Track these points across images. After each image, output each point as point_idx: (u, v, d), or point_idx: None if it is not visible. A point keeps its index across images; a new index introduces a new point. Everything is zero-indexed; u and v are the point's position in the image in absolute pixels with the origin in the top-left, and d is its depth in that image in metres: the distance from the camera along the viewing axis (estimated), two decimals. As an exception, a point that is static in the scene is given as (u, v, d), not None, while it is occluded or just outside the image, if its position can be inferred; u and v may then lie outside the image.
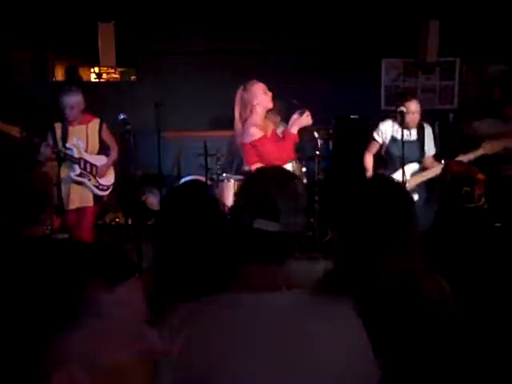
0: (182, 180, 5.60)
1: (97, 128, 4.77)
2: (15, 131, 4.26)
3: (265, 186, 1.30)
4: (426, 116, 4.93)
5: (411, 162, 4.42)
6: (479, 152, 4.19)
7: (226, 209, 5.53)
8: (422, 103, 4.59)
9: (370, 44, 6.86)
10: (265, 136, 3.88)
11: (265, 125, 3.99)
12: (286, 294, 1.28)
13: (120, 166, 6.14)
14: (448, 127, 6.58)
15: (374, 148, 4.75)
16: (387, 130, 4.57)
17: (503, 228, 2.54)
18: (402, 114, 4.22)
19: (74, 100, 4.58)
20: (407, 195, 1.83)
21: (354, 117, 6.83)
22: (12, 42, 6.44)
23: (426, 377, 1.64)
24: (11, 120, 4.33)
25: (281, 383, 1.20)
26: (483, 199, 2.52)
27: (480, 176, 2.53)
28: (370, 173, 4.71)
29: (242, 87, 3.97)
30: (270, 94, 3.93)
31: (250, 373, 1.18)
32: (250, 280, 1.28)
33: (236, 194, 1.34)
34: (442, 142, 4.46)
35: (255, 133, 3.84)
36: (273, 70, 6.66)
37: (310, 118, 3.86)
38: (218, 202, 1.88)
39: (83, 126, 4.70)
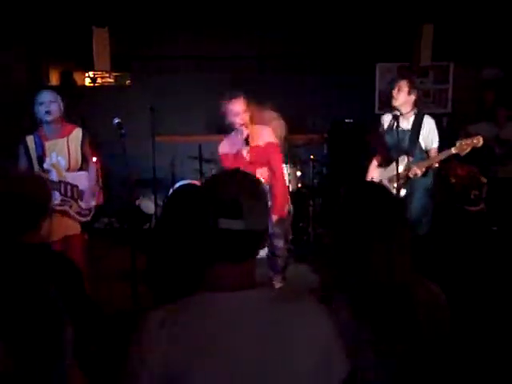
0: (177, 184, 5.60)
1: (79, 140, 4.03)
2: None
3: (225, 186, 1.32)
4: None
5: (404, 152, 4.23)
6: (450, 152, 4.15)
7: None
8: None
9: (364, 48, 6.89)
10: (223, 155, 4.20)
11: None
12: (256, 292, 1.32)
13: (114, 170, 6.13)
14: (442, 131, 6.60)
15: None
16: (385, 121, 4.49)
17: (499, 231, 2.55)
18: (397, 117, 4.20)
19: (52, 94, 3.87)
20: (394, 199, 1.84)
21: (349, 121, 6.84)
22: (6, 47, 6.42)
23: (420, 377, 1.64)
24: (3, 126, 4.00)
25: (256, 381, 1.22)
26: (483, 203, 2.52)
27: (483, 179, 2.54)
28: (368, 175, 4.59)
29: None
30: (241, 113, 4.01)
31: (225, 371, 1.21)
32: (220, 279, 1.31)
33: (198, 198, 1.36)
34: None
35: (220, 148, 4.24)
36: (268, 74, 6.69)
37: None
38: None
39: (63, 140, 3.97)
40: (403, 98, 4.25)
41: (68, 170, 3.98)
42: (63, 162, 3.96)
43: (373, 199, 1.76)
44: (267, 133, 4.17)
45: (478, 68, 7.27)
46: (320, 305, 1.36)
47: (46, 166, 3.89)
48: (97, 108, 6.74)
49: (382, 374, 1.61)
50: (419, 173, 4.13)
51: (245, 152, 4.09)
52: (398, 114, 4.21)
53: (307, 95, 6.82)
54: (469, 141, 4.12)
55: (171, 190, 5.30)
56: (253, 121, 4.14)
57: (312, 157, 6.36)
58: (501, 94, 6.81)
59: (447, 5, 6.49)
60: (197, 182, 5.65)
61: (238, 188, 1.31)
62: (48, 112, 3.86)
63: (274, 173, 4.10)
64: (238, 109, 4.03)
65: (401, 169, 4.22)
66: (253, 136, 4.05)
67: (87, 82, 7.89)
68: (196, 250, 1.34)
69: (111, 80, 7.73)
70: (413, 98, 4.27)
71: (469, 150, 4.11)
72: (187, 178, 6.13)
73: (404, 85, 4.26)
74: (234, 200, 1.28)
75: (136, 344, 1.25)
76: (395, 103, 4.27)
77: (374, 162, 4.62)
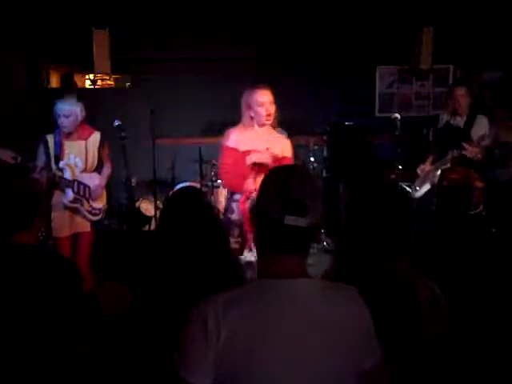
0: (177, 187, 5.60)
1: (97, 143, 4.20)
2: (7, 156, 3.73)
3: (288, 183, 1.37)
4: (420, 122, 4.96)
5: (452, 147, 4.39)
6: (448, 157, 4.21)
7: (221, 214, 5.60)
8: (415, 110, 4.63)
9: (364, 51, 6.89)
10: (230, 149, 3.66)
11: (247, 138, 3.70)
12: (310, 280, 1.39)
13: (115, 172, 6.13)
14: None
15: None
16: (442, 118, 4.79)
17: (499, 234, 2.55)
18: (396, 120, 4.24)
19: (67, 108, 3.99)
20: (404, 198, 1.84)
21: (349, 123, 6.85)
22: (7, 50, 6.43)
23: (421, 377, 1.64)
24: (4, 129, 4.02)
25: (307, 368, 1.28)
26: (481, 206, 2.52)
27: (478, 184, 2.54)
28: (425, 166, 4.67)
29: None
30: (269, 104, 3.64)
31: (286, 356, 1.27)
32: (282, 268, 1.37)
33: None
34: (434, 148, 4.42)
35: (227, 139, 3.72)
36: (268, 77, 6.68)
37: (269, 157, 3.56)
38: (214, 209, 1.98)
39: (82, 142, 4.13)
40: (466, 102, 4.57)
41: (84, 171, 4.14)
42: (80, 164, 4.11)
43: (380, 197, 1.76)
44: (289, 146, 3.82)
45: (478, 71, 7.28)
46: (358, 294, 1.42)
47: (61, 164, 4.04)
48: (97, 110, 6.74)
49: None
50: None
51: (255, 156, 3.61)
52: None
53: (307, 97, 6.83)
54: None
55: (171, 192, 5.30)
56: (274, 124, 3.73)
57: (312, 159, 6.37)
58: (501, 97, 6.81)
59: (447, 8, 6.51)
60: (197, 185, 5.66)
61: (301, 185, 1.37)
62: (63, 126, 4.01)
63: None
64: (265, 99, 3.62)
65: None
66: (274, 141, 3.70)
67: (87, 84, 7.89)
68: (221, 249, 1.43)
69: (111, 82, 7.74)
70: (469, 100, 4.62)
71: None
72: (187, 181, 6.13)
73: (460, 90, 4.60)
74: (300, 200, 1.34)
75: (200, 324, 1.27)
76: (462, 112, 4.58)
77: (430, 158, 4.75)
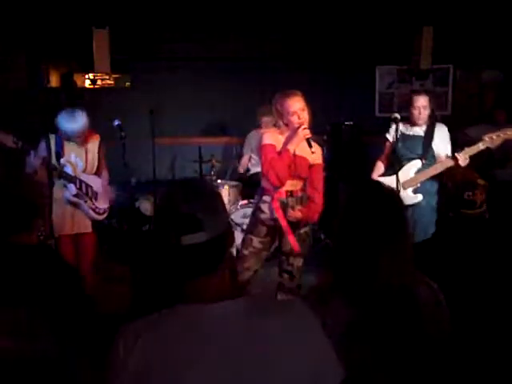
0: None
1: (96, 147, 4.24)
2: (8, 140, 3.74)
3: (175, 202, 1.29)
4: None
5: (413, 158, 4.33)
6: (479, 146, 4.15)
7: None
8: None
9: (364, 51, 6.89)
10: (269, 145, 3.60)
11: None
12: (235, 303, 1.29)
13: (114, 172, 6.12)
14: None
15: (386, 148, 4.64)
16: (395, 128, 4.46)
17: (503, 235, 2.54)
18: (396, 120, 4.22)
19: (79, 129, 4.00)
20: (398, 200, 1.84)
21: (349, 123, 6.85)
22: (6, 49, 6.43)
23: (421, 376, 1.64)
24: (5, 127, 4.03)
25: None
26: (485, 206, 2.52)
27: (481, 181, 2.53)
28: (375, 175, 4.60)
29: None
30: (302, 111, 3.60)
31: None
32: (197, 293, 1.29)
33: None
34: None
35: (264, 138, 3.65)
36: (268, 77, 6.69)
37: (305, 131, 3.54)
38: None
39: (82, 147, 4.17)
40: (426, 113, 4.34)
41: (84, 171, 4.15)
42: (80, 164, 4.12)
43: (376, 200, 1.76)
44: (320, 153, 3.82)
45: (477, 71, 7.28)
46: (309, 315, 1.32)
47: (62, 161, 4.04)
48: (97, 110, 6.74)
49: (381, 373, 1.61)
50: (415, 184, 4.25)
51: (292, 148, 3.57)
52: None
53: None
54: (501, 133, 4.13)
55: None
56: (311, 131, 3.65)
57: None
58: (501, 96, 6.81)
59: (447, 7, 6.51)
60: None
61: (191, 200, 1.29)
62: (78, 140, 4.07)
63: (314, 187, 3.75)
64: (296, 107, 3.57)
65: (412, 173, 4.30)
66: (304, 147, 3.61)
67: (87, 83, 7.89)
68: (166, 268, 1.33)
69: (111, 82, 7.74)
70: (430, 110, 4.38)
71: (499, 142, 4.15)
72: (187, 180, 6.13)
73: (423, 100, 4.33)
74: (190, 215, 1.26)
75: (115, 353, 1.23)
76: (422, 122, 4.35)
77: (380, 169, 4.62)
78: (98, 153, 4.24)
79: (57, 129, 4.04)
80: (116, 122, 4.66)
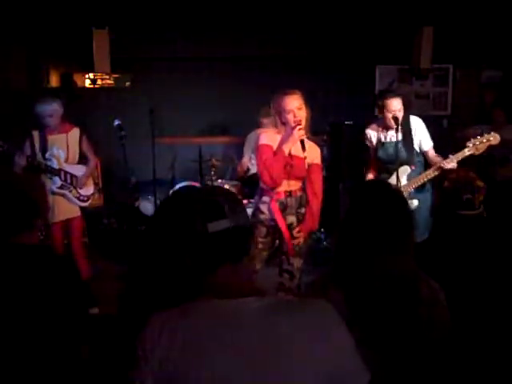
0: (177, 186, 5.60)
1: (77, 138, 4.56)
2: None
3: (199, 193, 1.37)
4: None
5: (401, 164, 4.20)
6: (465, 152, 4.06)
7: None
8: (415, 110, 4.56)
9: (364, 51, 6.89)
10: (265, 145, 3.58)
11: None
12: (256, 300, 1.30)
13: (114, 172, 6.14)
14: (442, 133, 6.63)
15: (371, 156, 4.49)
16: (372, 135, 4.40)
17: (498, 233, 2.54)
18: (396, 120, 4.15)
19: (49, 108, 4.38)
20: (402, 198, 1.84)
21: (348, 123, 6.85)
22: (6, 49, 6.43)
23: (419, 375, 1.64)
24: (4, 128, 4.17)
25: None
26: (482, 206, 2.52)
27: (480, 183, 2.54)
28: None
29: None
30: (298, 110, 3.56)
31: (226, 378, 1.20)
32: (220, 286, 1.30)
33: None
34: (435, 146, 4.38)
35: (261, 138, 3.64)
36: (268, 76, 6.69)
37: (300, 131, 3.49)
38: None
39: (63, 135, 4.51)
40: (400, 115, 4.16)
41: (66, 161, 4.50)
42: (63, 155, 4.48)
43: (379, 198, 1.77)
44: (318, 153, 3.78)
45: (477, 70, 7.29)
46: (333, 313, 1.31)
47: (47, 155, 4.43)
48: (97, 110, 6.75)
49: (379, 372, 1.61)
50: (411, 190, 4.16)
51: (286, 148, 3.54)
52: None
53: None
54: (484, 139, 4.04)
55: (171, 192, 5.30)
56: (306, 130, 3.61)
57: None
58: (500, 96, 6.82)
59: (447, 7, 6.51)
60: (197, 184, 5.66)
61: (212, 192, 1.35)
62: (50, 125, 4.42)
63: (313, 190, 3.70)
64: (293, 105, 3.55)
65: (404, 180, 4.21)
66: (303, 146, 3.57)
67: (87, 83, 7.87)
68: (190, 259, 1.34)
69: (111, 82, 7.72)
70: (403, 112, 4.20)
71: (484, 148, 4.04)
72: (187, 180, 6.14)
73: (396, 103, 4.14)
74: (214, 201, 1.30)
75: (140, 343, 1.26)
76: (394, 125, 4.17)
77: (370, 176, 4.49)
78: (80, 143, 4.57)
79: (37, 120, 4.39)
80: (116, 122, 4.69)
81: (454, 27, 6.60)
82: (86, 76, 7.34)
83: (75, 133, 4.56)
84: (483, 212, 2.50)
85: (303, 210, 3.71)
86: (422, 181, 4.18)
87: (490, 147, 4.13)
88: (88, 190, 4.67)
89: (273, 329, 1.24)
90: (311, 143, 3.71)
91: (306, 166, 3.66)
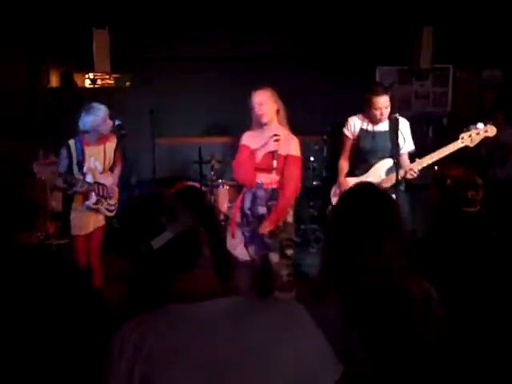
0: (176, 186, 5.60)
1: (113, 147, 4.42)
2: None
3: (139, 214, 1.38)
4: (421, 120, 4.92)
5: (384, 156, 4.08)
6: (458, 144, 3.90)
7: (222, 215, 5.61)
8: (415, 109, 4.53)
9: (364, 51, 6.89)
10: (242, 145, 3.95)
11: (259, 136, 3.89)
12: (221, 302, 1.31)
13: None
14: (442, 131, 6.65)
15: (348, 147, 4.33)
16: (356, 123, 4.25)
17: (497, 233, 2.54)
18: (397, 120, 4.07)
19: (96, 119, 4.18)
20: (388, 197, 1.84)
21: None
22: (6, 49, 6.42)
23: (417, 375, 1.64)
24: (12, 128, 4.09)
25: None
26: (480, 205, 2.51)
27: (479, 180, 2.53)
28: (341, 177, 4.28)
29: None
30: (263, 104, 3.82)
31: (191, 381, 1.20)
32: (184, 291, 1.32)
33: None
34: (435, 145, 4.35)
35: (242, 138, 4.01)
36: (268, 76, 6.68)
37: (275, 143, 3.78)
38: (214, 209, 1.94)
39: (101, 146, 4.32)
40: (387, 111, 4.08)
41: (102, 173, 4.33)
42: (99, 167, 4.30)
43: (366, 199, 1.77)
44: (293, 145, 3.87)
45: (477, 71, 7.29)
46: (302, 312, 1.32)
47: (84, 169, 4.22)
48: (97, 109, 6.74)
49: (374, 372, 1.61)
50: (417, 171, 3.93)
51: (260, 154, 3.84)
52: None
53: (307, 97, 6.82)
54: (480, 130, 3.94)
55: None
56: (282, 123, 3.89)
57: (312, 159, 6.38)
58: (500, 96, 6.82)
59: (447, 8, 6.51)
60: (196, 184, 5.66)
61: (148, 207, 1.37)
62: (100, 132, 4.22)
63: (287, 180, 3.79)
64: (260, 99, 3.81)
65: (384, 173, 4.08)
66: (278, 139, 3.80)
67: (87, 83, 7.87)
68: (147, 275, 1.38)
69: (111, 81, 7.72)
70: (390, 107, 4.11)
71: (478, 140, 3.95)
72: (187, 180, 6.14)
73: (384, 100, 4.04)
74: (151, 217, 1.33)
75: (112, 351, 1.26)
76: (382, 121, 4.10)
77: (344, 170, 4.31)
78: (115, 152, 4.41)
79: (78, 129, 4.18)
80: (116, 122, 4.68)
81: (454, 27, 6.60)
82: (86, 76, 7.33)
83: (112, 143, 4.40)
84: (481, 210, 2.50)
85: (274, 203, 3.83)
86: (394, 180, 3.93)
87: (490, 147, 4.13)
88: (115, 198, 4.52)
89: (236, 329, 1.24)
90: (289, 135, 3.89)
91: (280, 159, 3.80)
